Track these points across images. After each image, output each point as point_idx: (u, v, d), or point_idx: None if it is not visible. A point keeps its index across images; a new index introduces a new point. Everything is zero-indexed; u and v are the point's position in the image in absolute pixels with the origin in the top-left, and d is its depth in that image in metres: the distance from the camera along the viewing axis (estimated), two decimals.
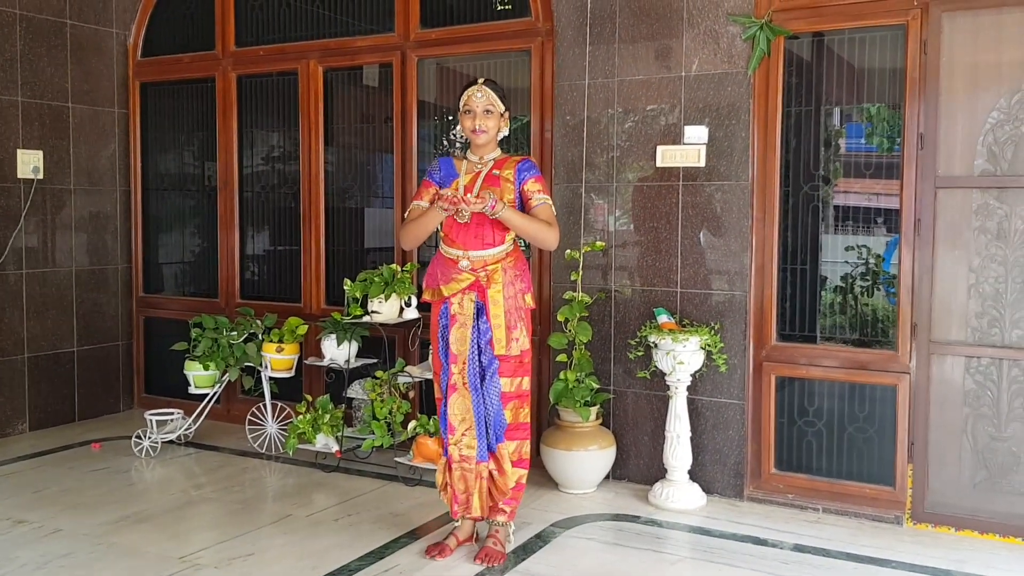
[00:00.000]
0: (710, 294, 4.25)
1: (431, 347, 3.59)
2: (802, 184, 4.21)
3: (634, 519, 3.98)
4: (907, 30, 3.89)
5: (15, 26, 5.34)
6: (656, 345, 4.11)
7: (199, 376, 5.00)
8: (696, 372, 4.15)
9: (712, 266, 4.24)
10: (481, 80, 3.49)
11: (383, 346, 4.83)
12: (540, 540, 3.71)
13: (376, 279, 4.63)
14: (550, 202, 3.50)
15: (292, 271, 5.56)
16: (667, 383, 4.16)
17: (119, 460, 4.85)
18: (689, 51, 4.25)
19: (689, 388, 4.18)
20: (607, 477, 4.43)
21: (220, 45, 5.69)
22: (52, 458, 4.91)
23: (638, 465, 4.43)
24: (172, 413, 5.09)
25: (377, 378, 4.61)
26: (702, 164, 4.23)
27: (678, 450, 4.14)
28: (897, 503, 3.97)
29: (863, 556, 3.58)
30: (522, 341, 3.47)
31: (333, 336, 4.77)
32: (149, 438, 4.93)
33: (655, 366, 4.18)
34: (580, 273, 4.39)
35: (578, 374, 4.28)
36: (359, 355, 4.86)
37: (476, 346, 3.43)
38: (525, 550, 3.60)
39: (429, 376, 4.45)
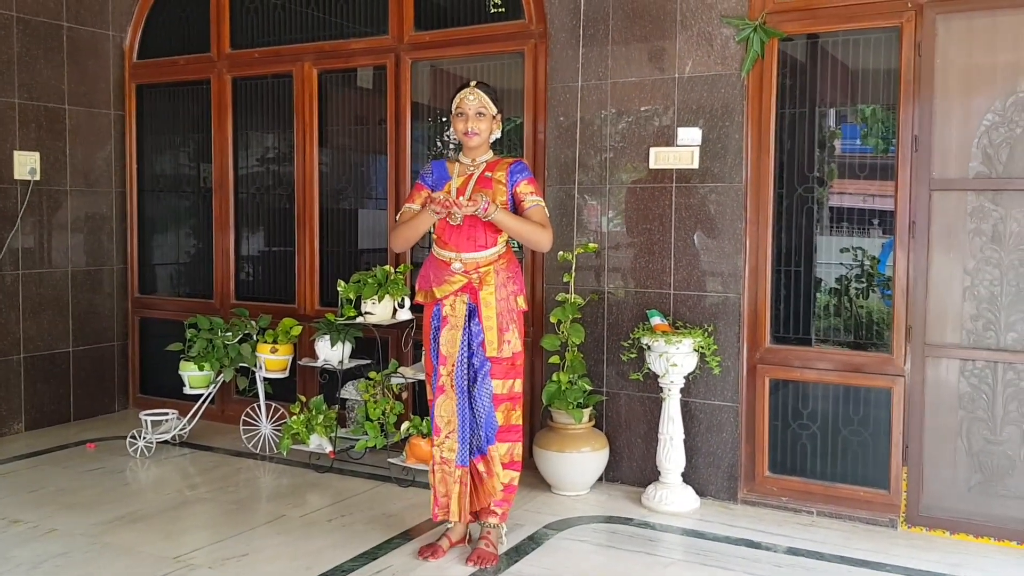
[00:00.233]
0: (704, 296, 4.24)
1: (424, 348, 3.59)
2: (796, 186, 4.20)
3: (627, 521, 3.97)
4: (901, 32, 3.88)
5: (12, 28, 5.35)
6: (649, 347, 4.10)
7: (194, 376, 5.00)
8: (689, 374, 4.14)
9: (706, 268, 4.23)
10: (473, 83, 3.48)
11: (376, 347, 4.84)
12: (533, 542, 3.71)
13: (370, 280, 4.64)
14: (543, 204, 3.49)
15: (286, 272, 5.56)
16: (660, 385, 4.15)
17: (114, 460, 4.85)
18: (682, 53, 4.24)
19: (682, 390, 4.17)
20: (600, 479, 4.43)
21: (215, 48, 5.69)
22: (47, 458, 4.91)
23: (631, 467, 4.42)
24: (167, 413, 5.09)
25: (370, 379, 4.61)
26: (695, 166, 4.22)
27: (671, 452, 4.13)
28: (891, 506, 3.96)
29: (857, 559, 3.56)
30: (514, 343, 3.46)
31: (327, 337, 4.77)
32: (144, 438, 4.93)
33: (648, 368, 4.17)
34: (573, 275, 4.39)
35: (571, 376, 4.27)
36: (353, 356, 4.86)
37: (467, 348, 3.42)
38: (518, 552, 3.59)
39: (422, 377, 4.45)
